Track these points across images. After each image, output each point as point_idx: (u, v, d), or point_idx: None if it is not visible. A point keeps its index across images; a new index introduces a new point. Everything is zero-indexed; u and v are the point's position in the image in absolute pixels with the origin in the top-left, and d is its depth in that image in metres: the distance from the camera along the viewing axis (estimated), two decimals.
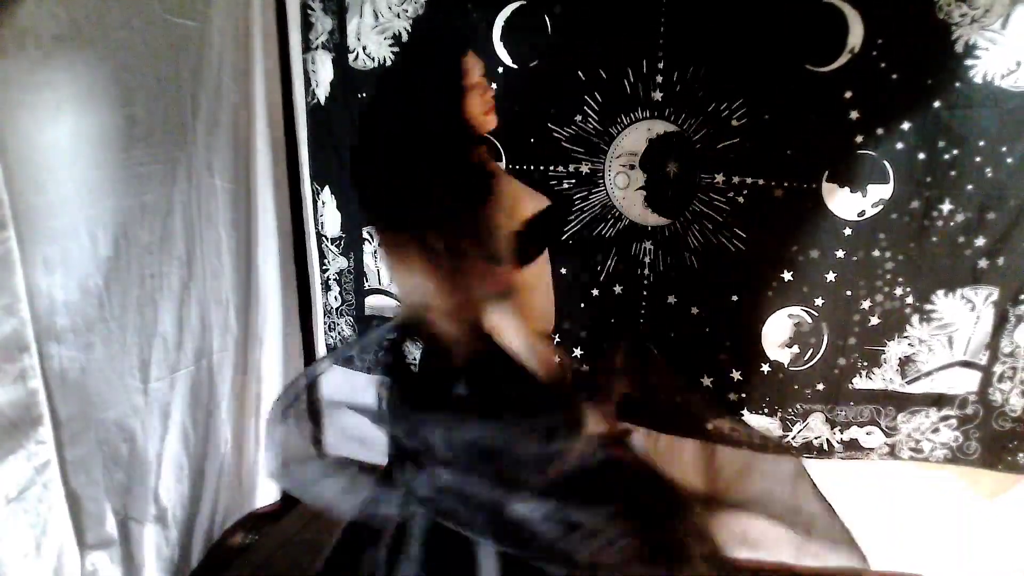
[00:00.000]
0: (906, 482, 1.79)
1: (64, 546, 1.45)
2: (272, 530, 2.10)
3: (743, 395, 1.81)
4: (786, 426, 1.80)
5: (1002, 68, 1.43)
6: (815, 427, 1.79)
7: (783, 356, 1.76)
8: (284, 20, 2.00)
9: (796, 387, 1.77)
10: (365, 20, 1.88)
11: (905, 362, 1.67)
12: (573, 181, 1.80)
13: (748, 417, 1.82)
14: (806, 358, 1.74)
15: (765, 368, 1.77)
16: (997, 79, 1.44)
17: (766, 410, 1.81)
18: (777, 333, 1.74)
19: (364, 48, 1.91)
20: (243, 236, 1.97)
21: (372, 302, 2.19)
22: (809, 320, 1.72)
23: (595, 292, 1.88)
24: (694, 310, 1.80)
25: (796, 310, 1.72)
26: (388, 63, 1.89)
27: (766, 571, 1.89)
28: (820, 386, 1.75)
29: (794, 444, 1.82)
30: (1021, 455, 1.67)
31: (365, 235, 2.11)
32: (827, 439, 1.79)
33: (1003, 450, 1.67)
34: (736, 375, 1.80)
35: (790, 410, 1.79)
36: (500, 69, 1.78)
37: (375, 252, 2.12)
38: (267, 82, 1.95)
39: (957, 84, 1.46)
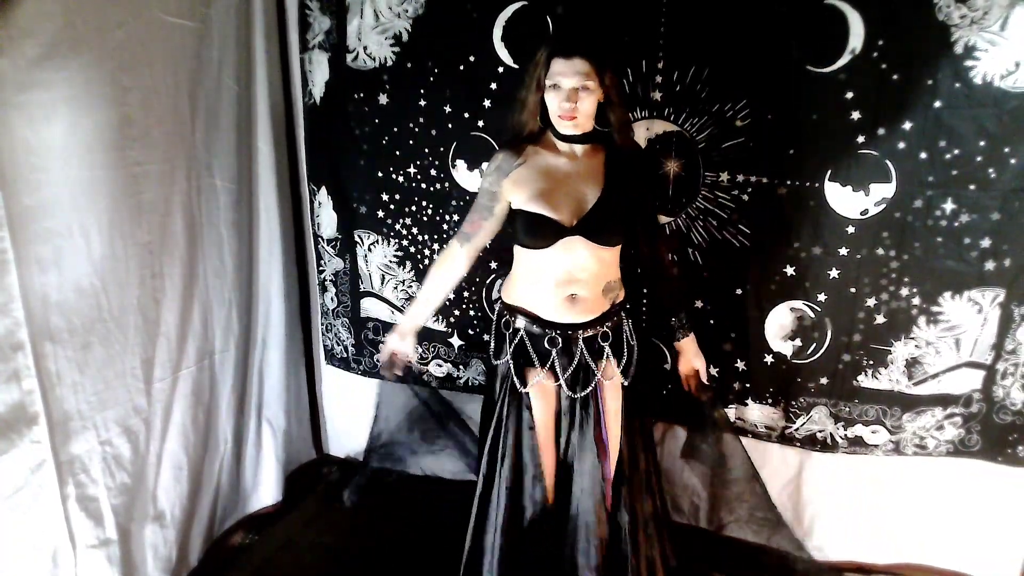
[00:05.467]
0: (907, 473, 1.80)
1: (59, 546, 1.44)
2: (272, 530, 2.09)
3: (747, 384, 1.83)
4: (789, 417, 1.82)
5: (1001, 69, 1.44)
6: (819, 420, 1.80)
7: (786, 348, 1.77)
8: (284, 20, 2.00)
9: (799, 380, 1.79)
10: (366, 20, 1.88)
11: (912, 364, 1.68)
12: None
13: (752, 406, 1.84)
14: (809, 352, 1.75)
15: (768, 359, 1.79)
16: (997, 80, 1.45)
17: (770, 400, 1.83)
18: (779, 325, 1.76)
19: (365, 48, 1.91)
20: (245, 236, 1.97)
21: (367, 305, 2.18)
22: (811, 315, 1.73)
23: None
24: (698, 303, 1.81)
25: (798, 304, 1.73)
26: (388, 63, 1.89)
27: (769, 555, 1.91)
28: (824, 380, 1.77)
29: (797, 436, 1.83)
30: (1021, 448, 1.68)
31: (357, 238, 2.11)
32: (831, 433, 1.80)
33: (1003, 443, 1.69)
34: (741, 365, 1.82)
35: (793, 402, 1.81)
36: (500, 69, 1.78)
37: (365, 256, 2.12)
38: (268, 82, 1.95)
39: (957, 85, 1.47)
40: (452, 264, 1.56)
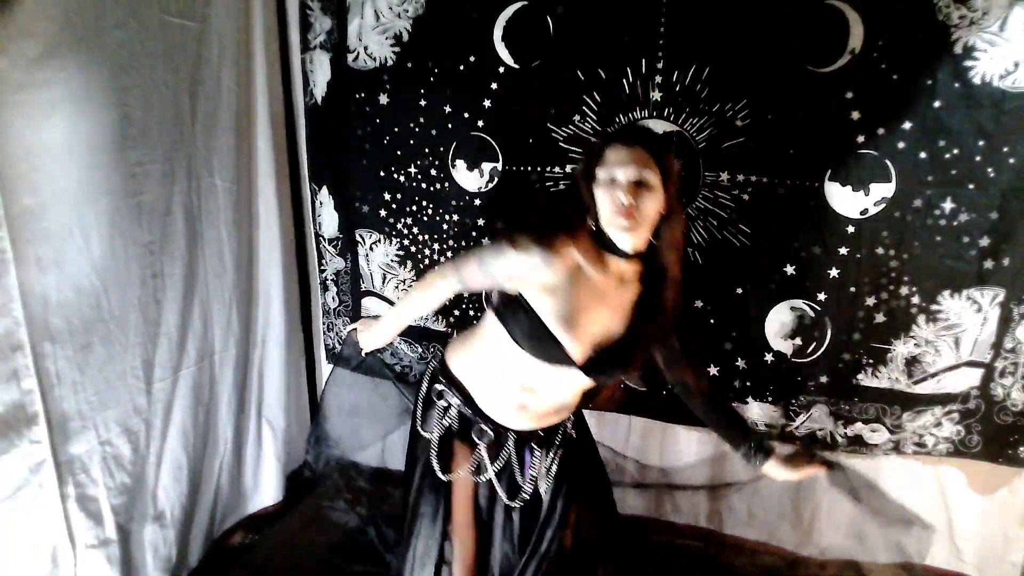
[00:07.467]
0: (908, 472, 1.81)
1: (59, 546, 1.44)
2: (272, 530, 2.09)
3: (748, 383, 1.83)
4: (789, 416, 1.83)
5: (1000, 69, 1.45)
6: (819, 418, 1.81)
7: (786, 347, 1.78)
8: (285, 20, 2.00)
9: (799, 378, 1.79)
10: (366, 20, 1.88)
11: (911, 362, 1.69)
12: (570, 182, 1.81)
13: (753, 404, 1.84)
14: (809, 351, 1.76)
15: (769, 357, 1.79)
16: (996, 80, 1.46)
17: (770, 399, 1.83)
18: (779, 324, 1.76)
19: (365, 48, 1.91)
20: (245, 236, 1.97)
21: (368, 304, 2.18)
22: (812, 314, 1.73)
23: None
24: (697, 303, 1.82)
25: (798, 303, 1.74)
26: (389, 63, 1.89)
27: (770, 553, 1.93)
28: (824, 379, 1.77)
29: (797, 434, 1.84)
30: (1022, 448, 1.69)
31: (358, 237, 2.11)
32: (831, 432, 1.81)
33: (1004, 444, 1.69)
34: (741, 364, 1.82)
35: (793, 400, 1.81)
36: (501, 69, 1.78)
37: (366, 255, 2.12)
38: (268, 82, 1.95)
39: (956, 85, 1.48)
40: (445, 292, 1.34)
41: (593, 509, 1.43)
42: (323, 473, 2.18)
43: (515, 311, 1.22)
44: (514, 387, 1.27)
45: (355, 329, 1.57)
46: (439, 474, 1.33)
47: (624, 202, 1.12)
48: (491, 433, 1.31)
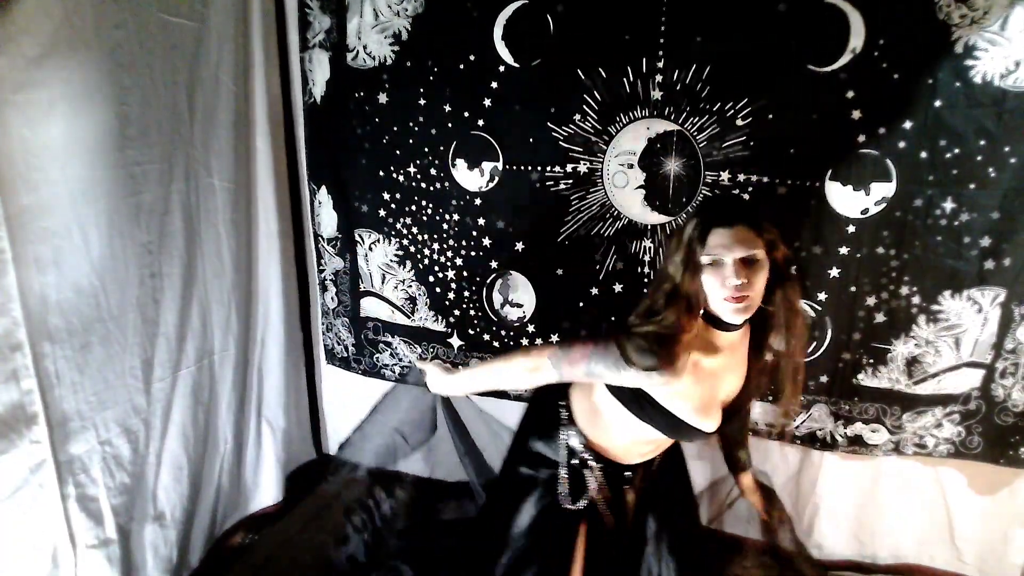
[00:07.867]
0: (908, 473, 1.81)
1: (59, 546, 1.44)
2: (272, 530, 2.09)
3: None
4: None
5: (1001, 68, 1.45)
6: (819, 418, 1.80)
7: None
8: (283, 19, 2.00)
9: None
10: (365, 19, 1.88)
11: (912, 363, 1.69)
12: (571, 181, 1.81)
13: (753, 404, 1.82)
14: (809, 350, 1.75)
15: (768, 357, 1.78)
16: (996, 79, 1.45)
17: (771, 398, 1.82)
18: None
19: (365, 47, 1.90)
20: (243, 236, 1.97)
21: (367, 304, 2.18)
22: (812, 314, 1.73)
23: (595, 291, 1.88)
24: None
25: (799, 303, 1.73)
26: (388, 62, 1.89)
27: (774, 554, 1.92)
28: (824, 379, 1.77)
29: (797, 434, 1.84)
30: (1023, 449, 1.68)
31: (357, 237, 2.10)
32: (831, 431, 1.80)
33: (1005, 445, 1.69)
34: None
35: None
36: (501, 68, 1.78)
37: (366, 255, 2.11)
38: (267, 81, 1.95)
39: (957, 84, 1.48)
40: (540, 381, 1.28)
41: (682, 516, 1.53)
42: (345, 478, 2.18)
43: (640, 403, 1.21)
44: (644, 441, 1.33)
45: (422, 369, 1.52)
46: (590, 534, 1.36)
47: (735, 282, 1.10)
48: (631, 477, 1.40)
